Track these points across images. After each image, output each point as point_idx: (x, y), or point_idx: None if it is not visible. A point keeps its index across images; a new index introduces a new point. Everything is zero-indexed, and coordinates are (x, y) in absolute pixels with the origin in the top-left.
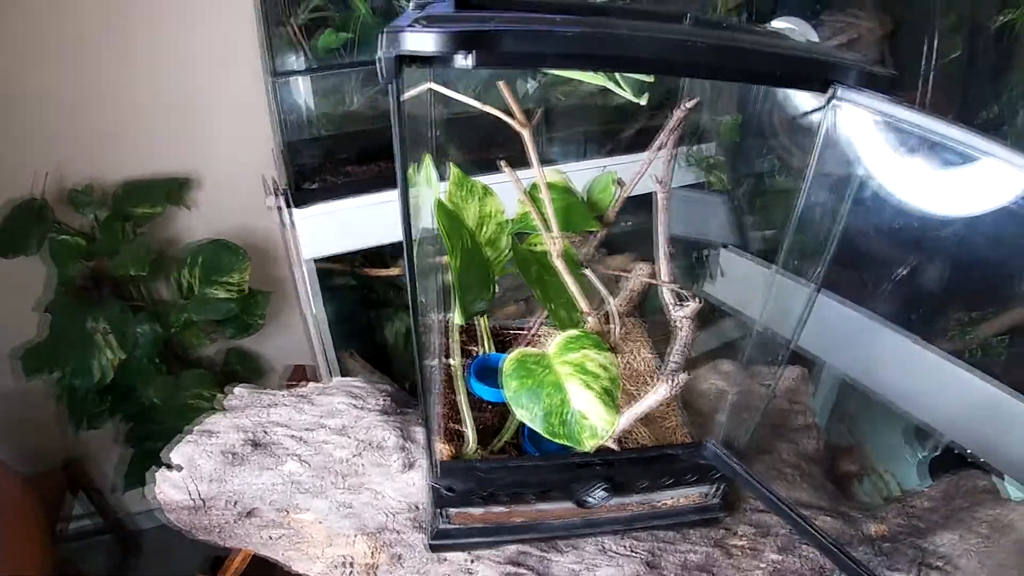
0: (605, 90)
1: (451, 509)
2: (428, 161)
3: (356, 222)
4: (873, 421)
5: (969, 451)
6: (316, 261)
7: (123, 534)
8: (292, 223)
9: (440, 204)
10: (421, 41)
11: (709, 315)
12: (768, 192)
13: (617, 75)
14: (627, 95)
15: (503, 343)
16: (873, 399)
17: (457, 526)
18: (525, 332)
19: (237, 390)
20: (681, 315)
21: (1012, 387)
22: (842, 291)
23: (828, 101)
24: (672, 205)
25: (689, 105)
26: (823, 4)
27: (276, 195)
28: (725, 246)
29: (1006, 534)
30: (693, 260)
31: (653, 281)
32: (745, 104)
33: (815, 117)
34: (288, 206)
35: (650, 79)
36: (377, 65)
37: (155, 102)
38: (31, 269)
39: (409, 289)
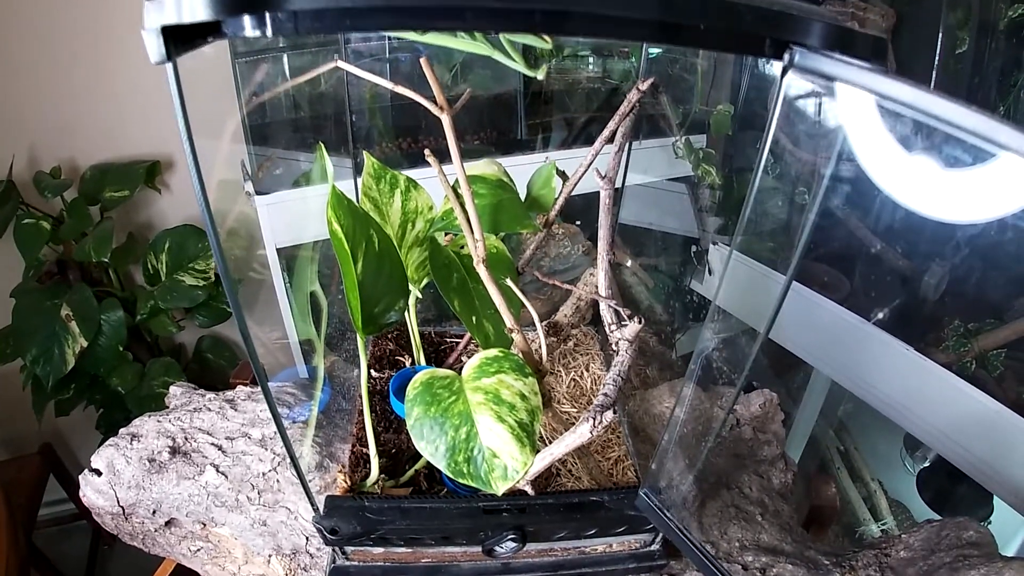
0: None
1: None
2: (322, 152)
3: (320, 210)
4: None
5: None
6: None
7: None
8: (255, 210)
9: (337, 197)
10: (190, 4)
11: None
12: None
13: (504, 40)
14: (518, 66)
15: (440, 352)
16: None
17: (356, 563)
18: (461, 342)
19: (173, 389)
20: (619, 336)
21: (1008, 404)
22: (831, 293)
23: (783, 72)
24: (658, 198)
25: (643, 87)
26: None
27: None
28: (715, 243)
29: None
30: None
31: (594, 295)
32: (737, 94)
33: (810, 104)
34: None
35: (548, 44)
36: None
37: (130, 83)
38: (8, 254)
39: (227, 289)
